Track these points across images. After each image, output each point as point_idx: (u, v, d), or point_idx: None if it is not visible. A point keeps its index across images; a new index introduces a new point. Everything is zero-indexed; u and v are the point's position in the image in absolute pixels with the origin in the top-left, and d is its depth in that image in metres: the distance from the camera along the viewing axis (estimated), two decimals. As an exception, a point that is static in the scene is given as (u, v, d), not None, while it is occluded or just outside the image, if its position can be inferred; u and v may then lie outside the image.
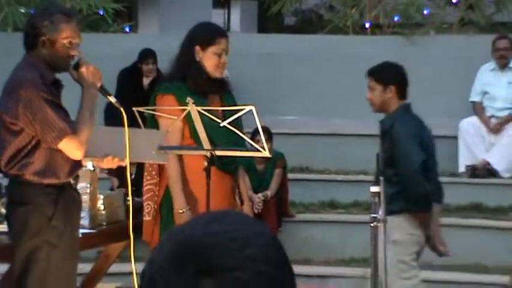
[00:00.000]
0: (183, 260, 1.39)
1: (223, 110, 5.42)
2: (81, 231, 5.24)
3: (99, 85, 5.00)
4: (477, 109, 9.91)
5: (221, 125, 5.21)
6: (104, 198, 5.77)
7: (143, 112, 5.55)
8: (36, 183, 4.89)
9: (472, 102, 9.96)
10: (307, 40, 11.13)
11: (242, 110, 5.24)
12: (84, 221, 5.47)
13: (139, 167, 6.28)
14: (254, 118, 5.13)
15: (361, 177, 9.20)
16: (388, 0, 11.51)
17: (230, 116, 5.22)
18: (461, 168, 9.66)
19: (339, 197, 9.63)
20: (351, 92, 10.15)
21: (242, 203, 5.84)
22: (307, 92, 10.47)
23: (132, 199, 5.35)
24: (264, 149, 5.18)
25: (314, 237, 9.08)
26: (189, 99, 5.27)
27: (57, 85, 5.01)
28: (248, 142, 5.52)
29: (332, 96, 10.48)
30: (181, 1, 14.69)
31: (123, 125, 4.97)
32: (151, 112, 5.55)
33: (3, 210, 5.28)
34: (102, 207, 5.73)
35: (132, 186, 5.35)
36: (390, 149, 5.93)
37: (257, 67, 10.57)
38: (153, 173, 5.75)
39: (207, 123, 5.34)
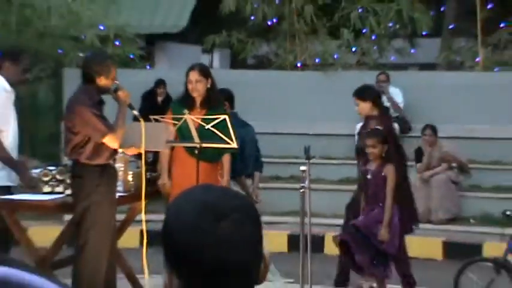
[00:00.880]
0: (204, 212, 1.35)
1: (203, 119, 5.41)
2: (118, 194, 5.23)
3: (128, 103, 5.01)
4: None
5: (206, 127, 5.19)
6: (132, 174, 5.72)
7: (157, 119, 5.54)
8: (88, 164, 4.88)
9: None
10: (261, 73, 11.13)
11: (219, 117, 5.23)
12: (120, 187, 5.44)
13: (156, 153, 6.24)
14: (227, 123, 5.13)
15: (295, 160, 9.20)
16: (312, 48, 11.53)
17: (210, 123, 5.22)
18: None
19: (282, 173, 9.63)
20: (286, 106, 10.16)
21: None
22: (262, 106, 10.45)
23: (148, 175, 5.35)
24: (233, 142, 5.18)
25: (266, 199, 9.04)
26: (186, 111, 5.25)
27: (102, 103, 5.03)
28: (223, 138, 5.50)
29: (278, 108, 10.47)
30: (182, 49, 14.65)
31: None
32: (161, 119, 5.55)
33: (69, 181, 5.26)
34: (131, 179, 5.67)
35: (149, 165, 5.32)
36: None
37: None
38: None
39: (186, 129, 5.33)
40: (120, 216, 5.87)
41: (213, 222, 1.33)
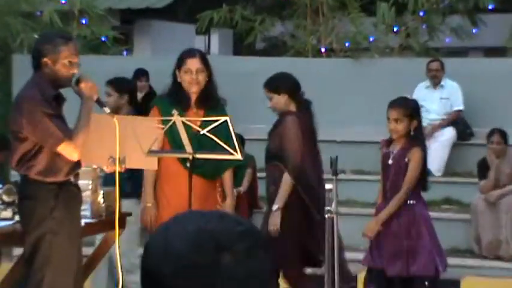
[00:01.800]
0: (203, 243, 1.37)
1: (202, 122, 5.35)
2: (84, 220, 5.23)
3: (95, 98, 4.98)
4: (414, 119, 9.93)
5: (201, 132, 5.15)
6: (103, 193, 5.71)
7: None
8: (40, 181, 4.87)
9: (410, 113, 9.98)
10: (273, 62, 11.10)
11: (219, 120, 5.20)
12: (87, 212, 5.44)
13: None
14: (229, 127, 5.10)
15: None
16: (340, 29, 11.52)
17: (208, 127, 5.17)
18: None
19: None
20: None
21: (225, 199, 5.82)
22: (274, 105, 10.44)
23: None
24: (237, 152, 5.14)
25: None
26: (174, 111, 5.21)
27: (59, 99, 4.99)
28: (223, 147, 5.46)
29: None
30: (169, 29, 14.65)
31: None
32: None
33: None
34: (101, 200, 5.67)
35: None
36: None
37: (232, 84, 10.47)
38: None
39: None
40: (88, 250, 5.85)
41: (212, 255, 1.36)
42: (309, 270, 6.02)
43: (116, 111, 6.55)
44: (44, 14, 10.83)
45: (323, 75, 10.55)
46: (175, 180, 5.58)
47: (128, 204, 5.98)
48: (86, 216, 5.35)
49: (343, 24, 11.61)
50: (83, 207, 5.24)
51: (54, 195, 4.88)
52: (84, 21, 11.24)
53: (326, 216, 5.32)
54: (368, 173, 9.68)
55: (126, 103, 6.64)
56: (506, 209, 8.67)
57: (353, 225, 8.17)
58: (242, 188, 8.86)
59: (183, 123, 5.14)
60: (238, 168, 8.94)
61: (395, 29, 11.51)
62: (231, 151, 5.16)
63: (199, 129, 5.16)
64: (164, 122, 5.28)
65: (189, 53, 5.79)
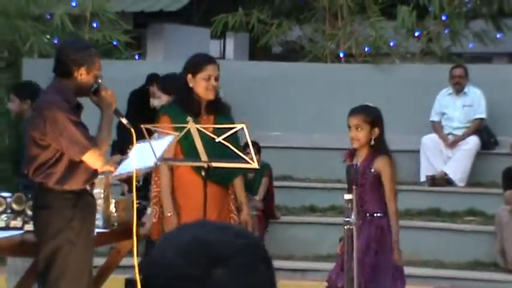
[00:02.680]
0: (195, 254, 1.36)
1: (214, 128, 5.34)
2: (96, 230, 5.22)
3: (114, 108, 5.00)
4: (436, 127, 9.90)
5: (216, 140, 5.14)
6: (115, 202, 5.72)
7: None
8: (57, 190, 4.85)
9: (432, 121, 9.95)
10: (291, 67, 11.10)
11: (235, 127, 5.18)
12: (99, 221, 5.43)
13: (145, 176, 6.23)
14: (245, 134, 5.08)
15: (337, 185, 9.14)
16: (359, 33, 11.50)
17: (222, 134, 5.16)
18: (423, 178, 9.67)
19: (318, 202, 9.59)
20: (329, 111, 10.12)
21: (240, 210, 5.79)
22: (291, 111, 10.43)
23: (138, 202, 5.30)
24: (253, 161, 5.11)
25: (296, 236, 9.03)
26: (189, 118, 5.19)
27: (78, 107, 5.02)
28: (239, 155, 5.44)
29: (312, 115, 10.44)
30: (182, 33, 14.66)
31: (132, 141, 4.98)
32: (155, 129, 5.51)
33: (30, 212, 5.25)
34: (114, 209, 5.68)
35: (138, 190, 5.30)
36: None
37: (248, 89, 10.51)
38: (158, 182, 5.72)
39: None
40: (99, 261, 5.84)
41: (205, 267, 1.35)
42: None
43: (19, 116, 6.81)
44: (54, 17, 10.85)
45: (342, 81, 10.52)
46: (189, 190, 5.56)
47: None
48: (97, 226, 5.32)
49: (362, 28, 11.58)
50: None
51: (71, 204, 4.88)
52: (95, 25, 11.26)
53: (345, 227, 5.27)
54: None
55: (29, 108, 6.69)
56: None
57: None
58: (258, 197, 8.83)
59: (197, 130, 5.13)
60: (254, 177, 8.98)
61: (416, 34, 11.46)
62: (247, 159, 5.13)
63: (215, 136, 5.15)
64: (177, 130, 5.27)
65: (210, 59, 5.81)
